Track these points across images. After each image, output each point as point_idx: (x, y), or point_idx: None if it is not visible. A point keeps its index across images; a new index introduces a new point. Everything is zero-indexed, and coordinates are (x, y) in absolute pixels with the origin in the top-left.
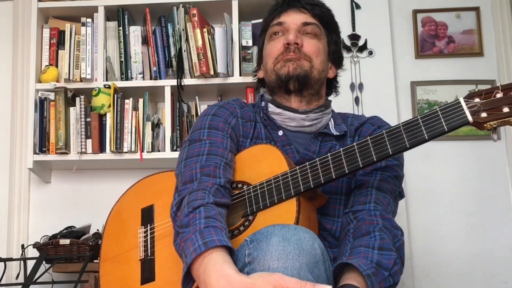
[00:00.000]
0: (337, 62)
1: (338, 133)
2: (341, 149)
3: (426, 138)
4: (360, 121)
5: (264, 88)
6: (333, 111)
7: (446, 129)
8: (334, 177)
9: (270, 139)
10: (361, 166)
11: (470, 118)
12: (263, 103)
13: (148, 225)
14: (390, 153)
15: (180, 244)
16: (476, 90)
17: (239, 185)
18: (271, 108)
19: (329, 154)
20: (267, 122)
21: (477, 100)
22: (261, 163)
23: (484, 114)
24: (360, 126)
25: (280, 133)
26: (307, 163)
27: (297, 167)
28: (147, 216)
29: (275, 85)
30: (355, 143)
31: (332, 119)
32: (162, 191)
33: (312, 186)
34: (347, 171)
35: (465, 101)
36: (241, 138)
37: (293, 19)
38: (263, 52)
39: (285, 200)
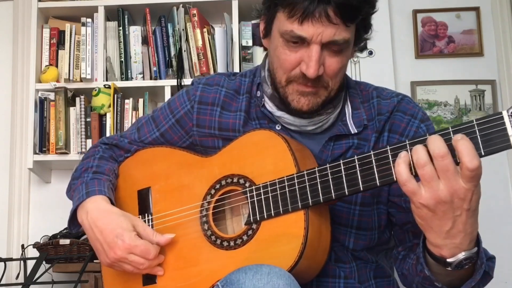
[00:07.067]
0: (362, 47)
1: (357, 130)
2: (356, 157)
3: None
4: (388, 106)
5: (266, 67)
6: (348, 83)
7: (483, 153)
8: (347, 194)
9: None
10: (378, 184)
11: None
12: (259, 93)
13: (146, 214)
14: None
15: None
16: None
17: (241, 181)
18: (270, 107)
19: (341, 161)
20: (261, 115)
21: None
22: (264, 156)
23: None
24: (390, 115)
25: (278, 127)
26: (316, 169)
27: (305, 172)
28: (144, 201)
29: (280, 98)
30: (371, 152)
31: (348, 104)
32: (159, 173)
33: (322, 201)
34: (361, 189)
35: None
36: (231, 133)
37: (318, 33)
38: (271, 45)
39: (292, 212)
